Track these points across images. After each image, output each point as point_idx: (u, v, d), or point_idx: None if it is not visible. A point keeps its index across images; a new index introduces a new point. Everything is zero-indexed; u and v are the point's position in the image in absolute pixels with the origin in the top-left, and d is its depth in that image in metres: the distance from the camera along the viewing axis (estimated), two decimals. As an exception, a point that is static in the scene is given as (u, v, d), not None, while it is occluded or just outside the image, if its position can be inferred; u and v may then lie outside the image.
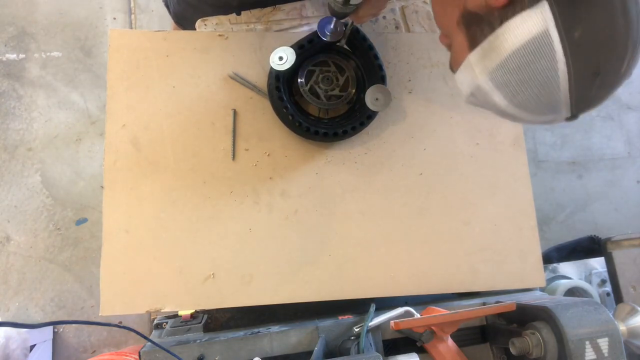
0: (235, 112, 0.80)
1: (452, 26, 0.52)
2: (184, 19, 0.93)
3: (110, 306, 0.73)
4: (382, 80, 0.77)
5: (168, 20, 1.76)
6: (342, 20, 0.72)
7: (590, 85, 0.44)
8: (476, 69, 0.49)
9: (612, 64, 0.43)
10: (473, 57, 0.49)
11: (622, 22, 0.42)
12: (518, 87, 0.46)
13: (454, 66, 0.55)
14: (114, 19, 1.76)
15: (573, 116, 0.47)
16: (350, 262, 0.79)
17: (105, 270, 0.74)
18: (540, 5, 0.41)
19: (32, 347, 1.43)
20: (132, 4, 1.78)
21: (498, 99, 0.49)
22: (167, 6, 1.06)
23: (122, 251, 0.74)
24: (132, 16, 1.78)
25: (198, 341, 0.69)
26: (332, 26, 0.72)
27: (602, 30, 0.42)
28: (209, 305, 0.75)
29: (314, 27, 0.73)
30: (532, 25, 0.42)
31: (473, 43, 0.49)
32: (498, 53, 0.45)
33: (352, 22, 0.72)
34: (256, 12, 0.85)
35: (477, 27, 0.48)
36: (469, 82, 0.51)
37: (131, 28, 1.78)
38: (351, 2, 0.61)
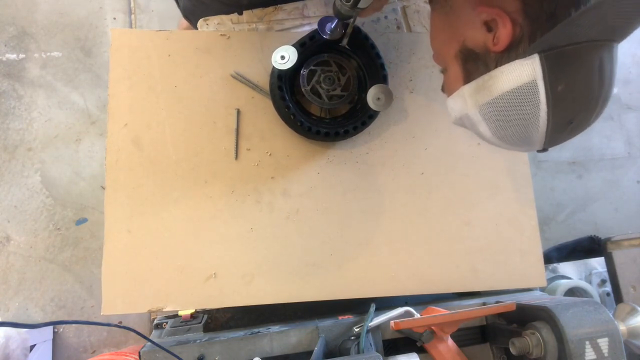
0: (238, 112, 0.80)
1: (449, 56, 0.57)
2: (193, 15, 0.93)
3: (112, 305, 0.73)
4: (383, 79, 0.77)
5: (168, 20, 1.76)
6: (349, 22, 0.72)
7: (563, 130, 0.50)
8: (468, 101, 0.54)
9: (584, 115, 0.49)
10: (466, 89, 0.54)
11: (598, 80, 0.47)
12: (503, 124, 0.51)
13: (447, 91, 0.60)
14: (114, 19, 1.76)
15: (544, 149, 0.54)
16: (351, 262, 0.79)
17: (107, 270, 0.74)
18: (532, 57, 0.46)
19: (32, 347, 1.42)
20: (132, 4, 1.78)
21: (483, 129, 0.54)
22: (177, 0, 1.06)
23: (123, 250, 0.74)
24: (132, 16, 1.78)
25: (198, 341, 0.69)
26: (333, 25, 0.72)
27: (580, 86, 0.47)
28: (210, 304, 0.75)
29: (316, 26, 0.73)
30: (523, 74, 0.47)
31: (468, 77, 0.54)
32: (489, 91, 0.50)
33: (354, 20, 0.72)
34: (258, 11, 0.85)
35: (474, 63, 0.53)
36: (459, 109, 0.56)
37: (131, 28, 1.78)
38: (359, 6, 0.61)
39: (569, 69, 0.46)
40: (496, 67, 0.49)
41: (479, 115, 0.53)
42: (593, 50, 0.46)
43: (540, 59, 0.46)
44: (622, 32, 0.47)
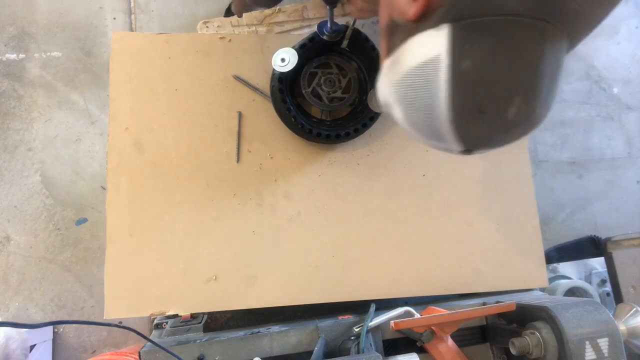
0: (240, 114, 0.80)
1: (382, 29, 0.50)
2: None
3: (115, 310, 0.73)
4: (383, 81, 0.77)
5: (168, 21, 1.76)
6: (344, 23, 0.72)
7: (474, 122, 0.42)
8: (385, 80, 0.48)
9: (497, 106, 0.41)
10: (386, 65, 0.47)
11: (518, 65, 0.40)
12: (409, 107, 0.44)
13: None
14: (114, 19, 1.76)
15: (468, 150, 0.46)
16: (353, 264, 0.79)
17: (109, 273, 0.74)
18: (442, 28, 0.39)
19: (32, 347, 1.42)
20: (132, 4, 1.78)
21: (397, 114, 0.47)
22: None
23: (125, 254, 0.74)
24: (132, 16, 1.78)
25: (198, 341, 0.69)
26: (329, 25, 0.72)
27: (492, 68, 0.39)
28: (212, 307, 0.75)
29: (316, 28, 0.74)
30: (429, 47, 0.40)
31: (389, 51, 0.47)
32: (399, 68, 0.44)
33: (354, 22, 0.72)
34: (257, 14, 0.85)
35: (395, 36, 0.46)
36: (382, 90, 0.49)
37: (131, 28, 1.78)
38: None
39: (480, 44, 0.39)
40: (408, 39, 0.43)
41: (393, 96, 0.46)
42: (515, 27, 0.38)
43: (450, 31, 0.39)
44: (555, 12, 0.39)
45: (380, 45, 0.51)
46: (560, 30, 0.41)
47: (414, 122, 0.46)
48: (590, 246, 1.12)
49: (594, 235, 1.12)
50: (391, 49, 0.46)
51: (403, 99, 0.45)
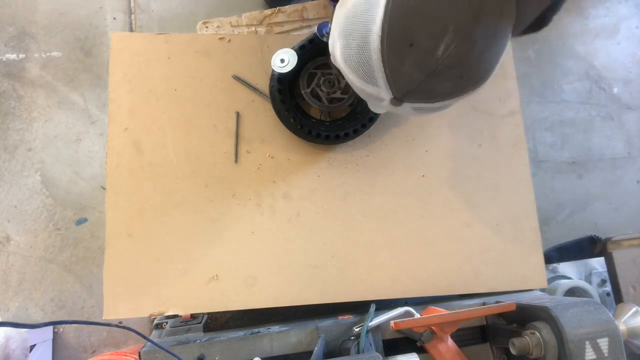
0: (238, 115, 0.80)
1: None
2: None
3: (114, 310, 0.73)
4: (383, 82, 0.77)
5: (168, 21, 1.76)
6: None
7: (402, 56, 0.42)
8: (334, 17, 0.48)
9: (425, 39, 0.41)
10: (336, 7, 0.48)
11: (453, 2, 0.40)
12: (347, 38, 0.45)
13: None
14: (114, 19, 1.76)
15: (398, 99, 0.46)
16: (352, 264, 0.79)
17: (109, 274, 0.74)
18: None
19: (32, 347, 1.42)
20: (132, 4, 1.78)
21: (337, 50, 0.48)
22: None
23: (125, 255, 0.74)
24: (132, 16, 1.78)
25: (198, 341, 0.69)
26: (329, 26, 0.72)
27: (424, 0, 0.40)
28: (212, 308, 0.75)
29: (315, 29, 0.74)
30: None
31: None
32: (346, 2, 0.45)
33: None
34: (257, 14, 0.85)
35: None
36: (330, 35, 0.50)
37: (131, 28, 1.78)
38: None
39: None
40: None
41: (336, 31, 0.47)
42: None
43: None
44: None
45: None
46: None
47: (349, 57, 0.46)
48: (589, 246, 1.12)
49: (594, 235, 1.12)
50: None
51: (344, 31, 0.45)
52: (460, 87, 0.46)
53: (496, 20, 0.42)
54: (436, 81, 0.44)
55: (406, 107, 0.47)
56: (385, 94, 0.47)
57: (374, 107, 0.58)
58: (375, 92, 0.48)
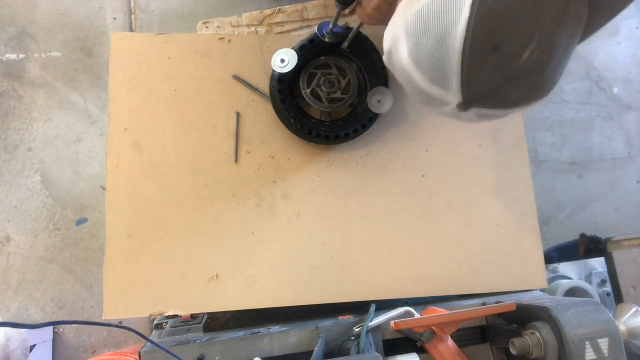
0: (238, 115, 0.80)
1: None
2: None
3: (114, 310, 0.73)
4: (384, 82, 0.77)
5: (168, 21, 1.76)
6: (344, 24, 0.72)
7: (483, 58, 0.41)
8: (399, 18, 0.47)
9: (512, 43, 0.41)
10: (402, 4, 0.48)
11: (534, 3, 0.40)
12: (420, 37, 0.44)
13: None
14: (114, 18, 1.76)
15: (465, 104, 0.45)
16: (352, 264, 0.79)
17: (108, 274, 0.74)
18: None
19: (32, 347, 1.42)
20: (132, 4, 1.78)
21: (402, 49, 0.47)
22: None
23: (124, 255, 0.74)
24: (132, 16, 1.78)
25: (198, 341, 0.69)
26: (330, 26, 0.72)
27: (518, 4, 0.39)
28: (212, 308, 0.75)
29: (316, 29, 0.74)
30: None
31: None
32: (419, 0, 0.44)
33: (360, 24, 0.72)
34: (257, 14, 0.85)
35: None
36: (390, 34, 0.49)
37: (131, 28, 1.78)
38: None
39: None
40: None
41: (403, 31, 0.46)
42: None
43: None
44: None
45: None
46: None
47: (418, 55, 0.45)
48: (587, 244, 1.11)
49: (594, 235, 1.12)
50: None
51: (415, 29, 0.44)
52: (533, 95, 0.45)
53: (574, 27, 0.42)
54: (512, 87, 0.43)
55: (471, 113, 0.46)
56: (453, 98, 0.45)
57: (434, 111, 0.55)
58: (442, 95, 0.46)
